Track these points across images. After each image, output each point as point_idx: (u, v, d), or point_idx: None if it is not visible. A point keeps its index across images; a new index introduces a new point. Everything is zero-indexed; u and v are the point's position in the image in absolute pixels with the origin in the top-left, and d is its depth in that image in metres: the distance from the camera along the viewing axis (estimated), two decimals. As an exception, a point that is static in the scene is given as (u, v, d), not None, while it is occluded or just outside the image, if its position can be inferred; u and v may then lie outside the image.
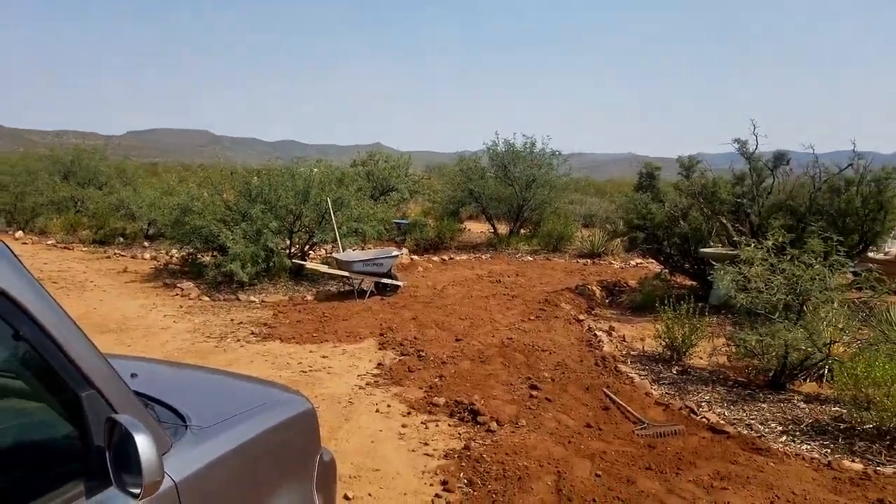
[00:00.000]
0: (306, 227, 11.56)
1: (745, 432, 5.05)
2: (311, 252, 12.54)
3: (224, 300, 9.86)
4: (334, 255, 10.74)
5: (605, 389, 6.00)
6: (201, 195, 11.63)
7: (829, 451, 4.70)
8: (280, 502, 2.25)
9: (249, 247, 10.30)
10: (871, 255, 10.22)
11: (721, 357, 6.85)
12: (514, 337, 7.76)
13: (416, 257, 14.52)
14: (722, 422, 5.25)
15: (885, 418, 4.73)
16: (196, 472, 1.85)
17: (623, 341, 8.11)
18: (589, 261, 15.47)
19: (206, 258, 11.51)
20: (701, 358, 7.08)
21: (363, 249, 12.25)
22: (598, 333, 8.22)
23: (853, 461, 4.49)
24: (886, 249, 11.02)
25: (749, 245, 6.82)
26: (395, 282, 10.39)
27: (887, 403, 4.67)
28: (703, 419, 5.33)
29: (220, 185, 12.05)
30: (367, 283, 10.17)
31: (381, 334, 7.84)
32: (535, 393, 5.81)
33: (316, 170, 12.49)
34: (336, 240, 11.03)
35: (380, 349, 7.27)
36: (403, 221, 17.64)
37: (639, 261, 14.94)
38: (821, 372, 6.11)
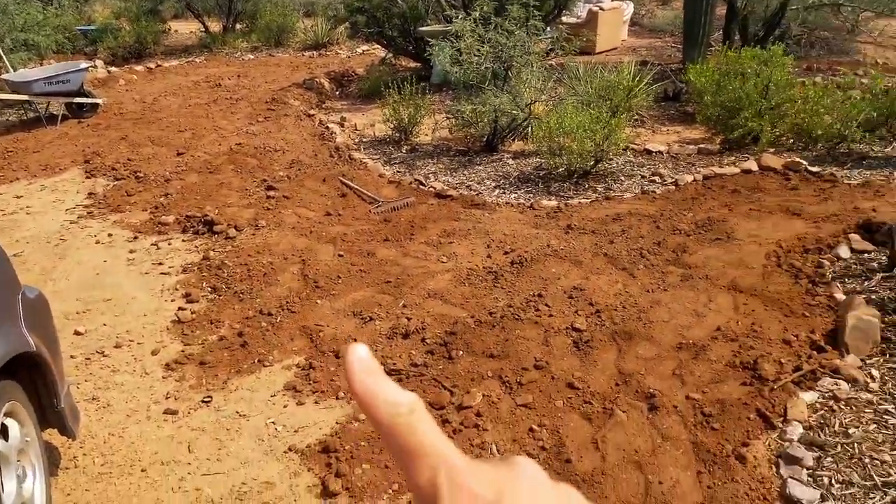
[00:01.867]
0: (-48, 45, 9.15)
1: (466, 193, 5.64)
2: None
3: None
4: (3, 76, 8.79)
5: (340, 178, 6.13)
6: None
7: (531, 195, 5.50)
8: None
9: None
10: (564, 19, 11.27)
11: (443, 131, 7.33)
12: (243, 142, 7.38)
13: (114, 69, 12.52)
14: (446, 188, 5.78)
15: (572, 161, 5.59)
16: None
17: (355, 130, 8.20)
18: (315, 53, 14.79)
19: None
20: (426, 135, 7.50)
21: (42, 66, 10.19)
22: (331, 126, 8.18)
23: (550, 200, 5.33)
24: (578, 13, 12.22)
25: (459, 18, 7.03)
26: (91, 99, 8.95)
27: (574, 148, 5.49)
28: (431, 188, 5.80)
29: None
30: (57, 106, 8.63)
31: (87, 161, 6.89)
32: (271, 194, 5.73)
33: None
34: (0, 58, 8.96)
35: (88, 177, 6.43)
36: (90, 28, 14.82)
37: (365, 48, 14.67)
38: (525, 131, 6.90)
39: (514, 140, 7.02)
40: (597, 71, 7.78)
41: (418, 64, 11.11)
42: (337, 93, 10.99)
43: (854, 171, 5.54)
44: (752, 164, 5.59)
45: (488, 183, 5.88)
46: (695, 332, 3.28)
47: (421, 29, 10.06)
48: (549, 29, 9.80)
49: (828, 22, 12.87)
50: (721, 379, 2.92)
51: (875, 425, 2.56)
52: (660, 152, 6.45)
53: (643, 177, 5.70)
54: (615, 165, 6.02)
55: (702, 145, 6.48)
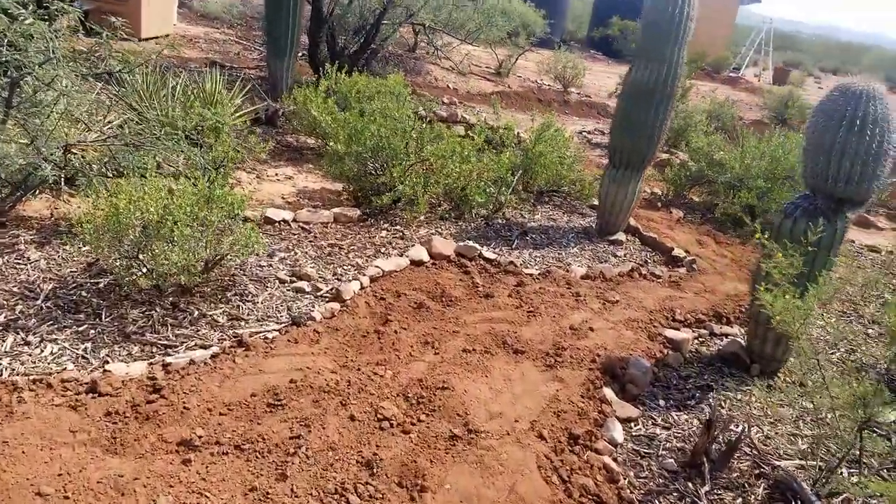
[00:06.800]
0: None
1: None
2: None
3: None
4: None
5: None
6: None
7: (89, 347, 2.85)
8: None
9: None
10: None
11: None
12: None
13: None
14: None
15: (164, 272, 3.18)
16: None
17: None
18: None
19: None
20: None
21: None
22: None
23: (129, 360, 2.83)
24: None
25: None
26: None
27: (174, 258, 3.10)
28: None
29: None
30: None
31: None
32: None
33: None
34: None
35: None
36: None
37: None
38: (58, 177, 4.06)
39: (35, 194, 4.10)
40: (163, 79, 5.34)
41: None
42: None
43: (525, 252, 4.65)
44: (421, 253, 4.15)
45: (-11, 315, 2.99)
46: None
47: None
48: (77, 3, 6.74)
49: (400, 39, 12.76)
50: None
51: None
52: (286, 222, 4.52)
53: (282, 282, 3.66)
54: (230, 257, 3.84)
55: (336, 209, 4.79)
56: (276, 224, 4.45)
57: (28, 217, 3.97)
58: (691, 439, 2.86)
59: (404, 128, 4.95)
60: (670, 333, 3.73)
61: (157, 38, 9.71)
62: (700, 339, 3.89)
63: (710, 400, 3.21)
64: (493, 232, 4.92)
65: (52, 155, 3.59)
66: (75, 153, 3.91)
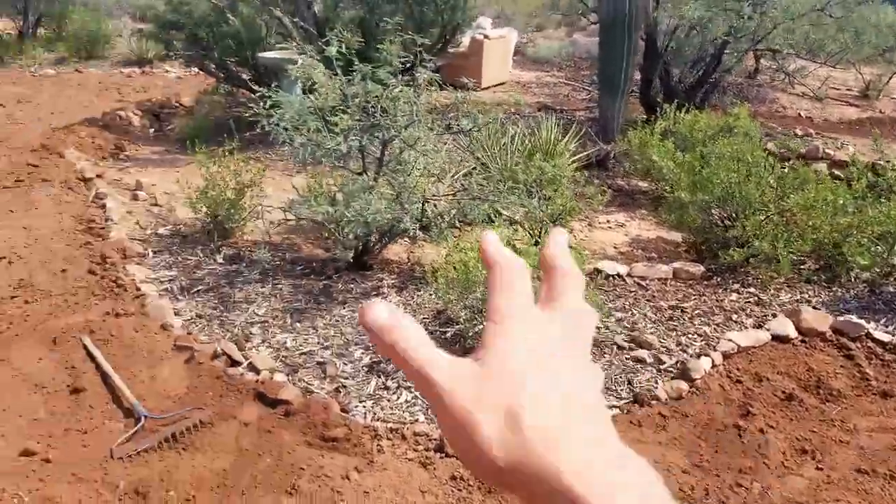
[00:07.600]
0: None
1: (316, 389, 3.01)
2: None
3: None
4: None
5: (83, 338, 3.34)
6: None
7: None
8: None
9: None
10: (451, 51, 8.99)
11: (287, 212, 4.67)
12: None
13: None
14: (280, 371, 3.14)
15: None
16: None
17: (154, 206, 5.37)
18: (137, 70, 11.57)
19: None
20: (260, 223, 4.84)
21: None
22: (113, 202, 5.27)
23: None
24: (461, 41, 10.01)
25: (306, 52, 4.43)
26: None
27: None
28: (250, 375, 3.11)
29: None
30: None
31: None
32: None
33: None
34: None
35: None
36: None
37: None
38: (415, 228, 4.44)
39: (394, 242, 4.53)
40: (503, 129, 5.55)
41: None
42: (151, 131, 8.08)
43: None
44: (786, 326, 3.47)
45: (357, 356, 3.30)
46: None
47: (263, 56, 7.39)
48: (432, 63, 7.54)
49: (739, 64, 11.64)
50: None
51: None
52: (619, 276, 4.23)
53: (620, 349, 3.38)
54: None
55: (675, 264, 4.34)
56: (612, 280, 4.19)
57: (389, 260, 4.40)
58: None
59: (759, 173, 4.30)
60: None
61: (494, 86, 10.44)
62: None
63: None
64: (884, 304, 3.91)
65: (412, 208, 3.91)
66: (429, 202, 4.23)
